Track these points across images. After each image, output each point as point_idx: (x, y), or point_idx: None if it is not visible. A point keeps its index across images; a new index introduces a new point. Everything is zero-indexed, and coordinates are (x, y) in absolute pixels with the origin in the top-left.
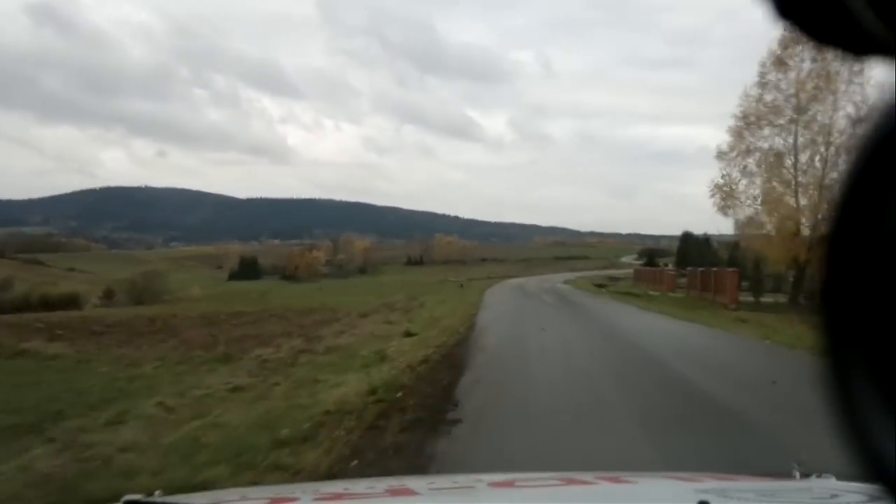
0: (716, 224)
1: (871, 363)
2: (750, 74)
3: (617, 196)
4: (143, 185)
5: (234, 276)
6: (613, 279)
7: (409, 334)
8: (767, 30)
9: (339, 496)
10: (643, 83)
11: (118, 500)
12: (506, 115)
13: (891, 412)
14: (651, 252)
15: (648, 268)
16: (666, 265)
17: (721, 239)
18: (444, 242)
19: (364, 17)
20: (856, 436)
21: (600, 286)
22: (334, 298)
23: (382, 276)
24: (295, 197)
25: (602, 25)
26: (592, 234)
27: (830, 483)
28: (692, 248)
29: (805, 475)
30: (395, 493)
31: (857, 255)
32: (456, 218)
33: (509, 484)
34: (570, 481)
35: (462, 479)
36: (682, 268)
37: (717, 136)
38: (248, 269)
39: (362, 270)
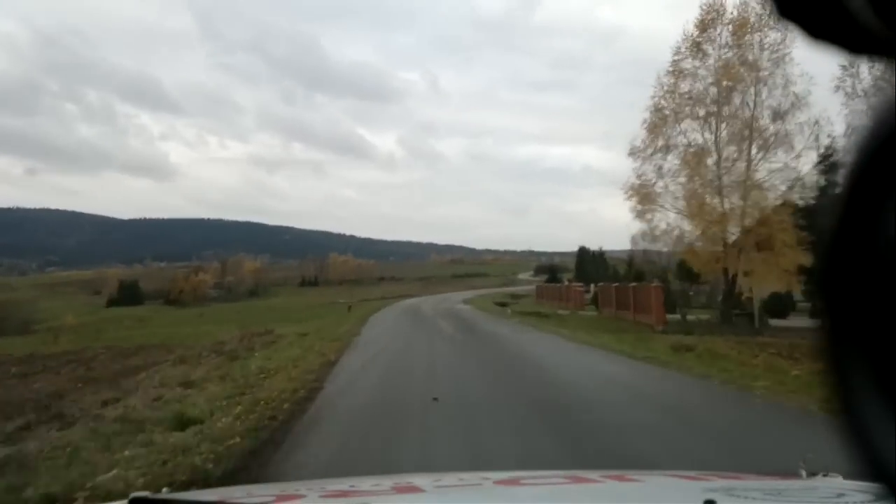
0: (604, 239)
1: (872, 362)
2: (627, 98)
3: (510, 213)
4: (14, 206)
5: (113, 303)
6: (515, 297)
7: (181, 424)
8: (643, 57)
9: (344, 493)
10: (529, 104)
11: (124, 499)
12: (397, 134)
13: (892, 412)
14: (550, 268)
15: (552, 284)
16: (570, 281)
17: (613, 254)
18: (340, 262)
19: (245, 33)
20: (857, 435)
21: (503, 305)
22: (197, 329)
23: (274, 299)
24: (181, 217)
25: (488, 47)
26: (488, 251)
27: (837, 482)
28: (588, 264)
29: (812, 474)
30: (401, 490)
31: (857, 256)
32: (352, 237)
33: (515, 482)
34: (577, 479)
35: (468, 476)
36: (584, 284)
37: (600, 155)
38: (128, 295)
39: (253, 293)
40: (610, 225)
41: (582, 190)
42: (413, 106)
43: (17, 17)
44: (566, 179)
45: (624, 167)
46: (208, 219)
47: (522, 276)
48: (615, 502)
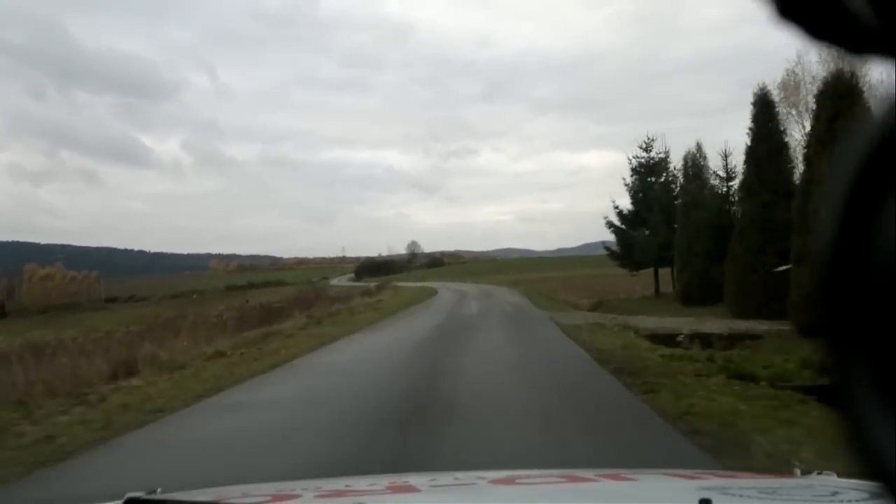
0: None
1: (871, 361)
2: (422, 98)
3: (318, 221)
4: None
5: None
6: None
7: None
8: (434, 55)
9: (340, 493)
10: (326, 106)
11: (120, 498)
12: (179, 138)
13: (891, 410)
14: (379, 265)
15: None
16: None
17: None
18: (40, 277)
19: None
20: (856, 433)
21: None
22: None
23: None
24: None
25: (273, 43)
26: (298, 259)
27: (832, 481)
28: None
29: (806, 472)
30: (396, 489)
31: (857, 257)
32: (142, 252)
33: (510, 481)
34: (572, 478)
35: (463, 476)
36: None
37: (403, 159)
38: None
39: None
40: (419, 227)
41: (389, 195)
42: (196, 107)
43: None
44: (372, 185)
45: (423, 169)
46: None
47: (336, 280)
48: (610, 501)
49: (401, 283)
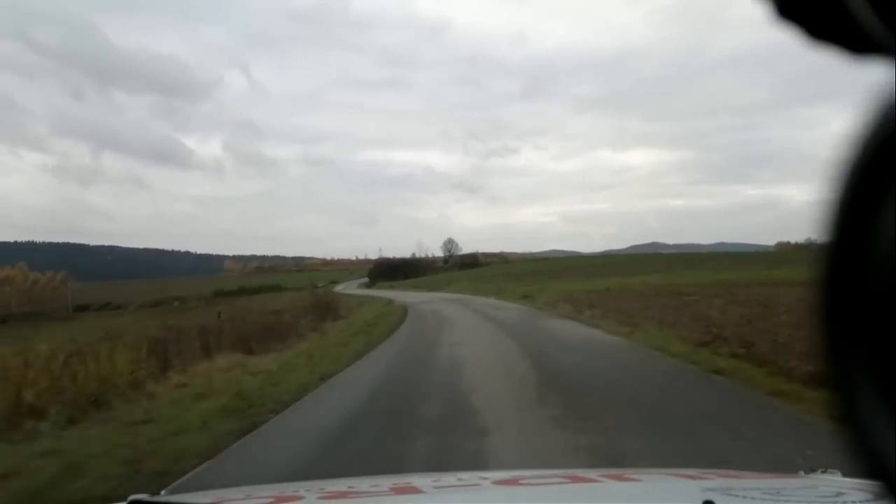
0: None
1: (871, 361)
2: (461, 96)
3: (360, 223)
4: None
5: None
6: None
7: None
8: (471, 54)
9: (343, 494)
10: (363, 106)
11: (123, 500)
12: (220, 139)
13: (891, 411)
14: (397, 266)
15: None
16: None
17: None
18: None
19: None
20: (856, 434)
21: None
22: None
23: None
24: None
25: (307, 43)
26: (324, 261)
27: (836, 481)
28: None
29: (811, 470)
30: (399, 491)
31: (856, 257)
32: (187, 253)
33: (514, 482)
34: (576, 479)
35: (467, 476)
36: None
37: (442, 159)
38: None
39: None
40: (462, 229)
41: (430, 196)
42: (236, 108)
43: None
44: (413, 185)
45: (464, 169)
46: (16, 242)
47: (342, 286)
48: (614, 502)
49: (387, 294)
